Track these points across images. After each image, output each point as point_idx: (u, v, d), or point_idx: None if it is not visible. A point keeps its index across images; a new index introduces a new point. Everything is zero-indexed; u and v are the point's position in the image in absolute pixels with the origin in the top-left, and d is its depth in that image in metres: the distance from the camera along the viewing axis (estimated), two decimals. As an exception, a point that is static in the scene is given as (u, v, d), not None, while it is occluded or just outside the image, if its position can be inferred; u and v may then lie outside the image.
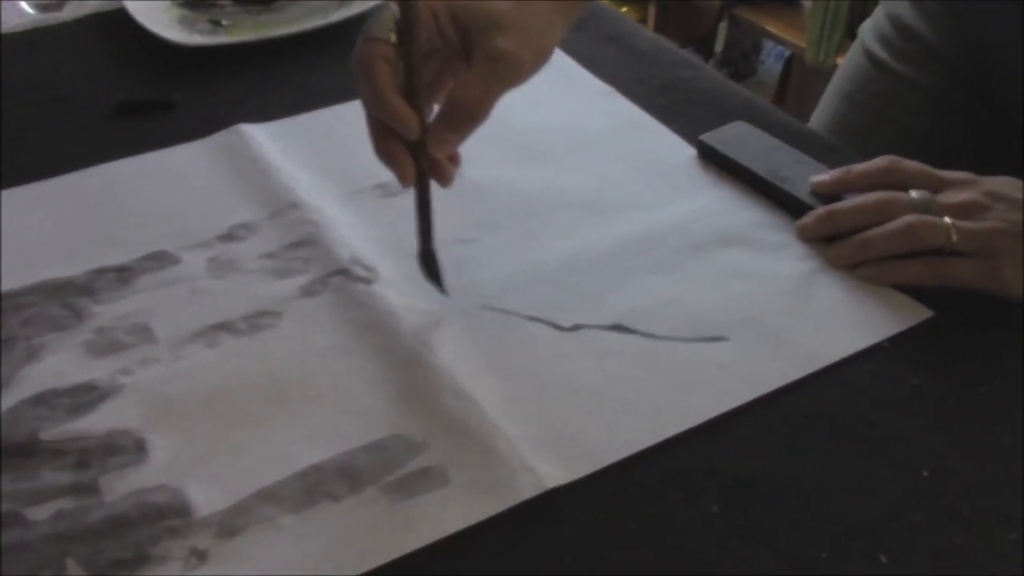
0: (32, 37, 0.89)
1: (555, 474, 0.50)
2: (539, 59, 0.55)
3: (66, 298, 0.60)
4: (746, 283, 0.62)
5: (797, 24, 2.30)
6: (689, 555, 0.47)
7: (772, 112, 0.79)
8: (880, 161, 0.65)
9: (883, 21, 0.90)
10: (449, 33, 0.54)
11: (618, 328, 0.58)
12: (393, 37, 0.52)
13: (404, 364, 0.56)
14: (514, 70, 0.53)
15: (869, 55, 0.90)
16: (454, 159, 0.58)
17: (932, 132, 0.85)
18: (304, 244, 0.64)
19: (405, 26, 0.52)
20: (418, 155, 0.54)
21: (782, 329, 0.58)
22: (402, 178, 0.55)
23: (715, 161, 0.72)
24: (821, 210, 0.64)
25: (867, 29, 0.93)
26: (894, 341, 0.58)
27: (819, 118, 0.95)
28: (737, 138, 0.72)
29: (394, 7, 0.52)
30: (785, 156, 0.70)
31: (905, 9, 0.87)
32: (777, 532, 0.47)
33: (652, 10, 2.62)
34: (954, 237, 0.59)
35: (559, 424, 0.53)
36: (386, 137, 0.54)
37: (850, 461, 0.51)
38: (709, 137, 0.72)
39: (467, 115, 0.53)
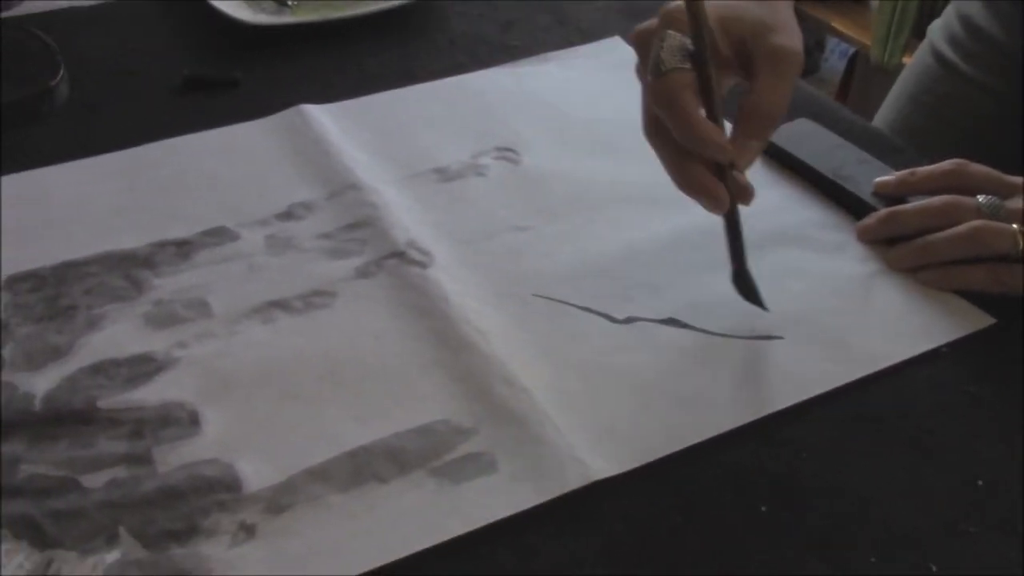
0: (105, 11, 0.91)
1: (603, 466, 0.49)
2: (802, 44, 0.55)
3: (128, 270, 0.61)
4: (804, 282, 0.61)
5: (863, 22, 2.26)
6: (735, 554, 0.46)
7: (837, 110, 0.78)
8: (946, 164, 0.64)
9: (953, 21, 0.88)
10: (723, 47, 0.55)
11: (673, 322, 0.58)
12: (688, 64, 0.52)
13: (456, 349, 0.56)
14: (795, 62, 0.53)
15: (938, 56, 0.88)
16: None
17: (1001, 136, 0.83)
18: (361, 225, 0.65)
19: (699, 51, 0.52)
20: (725, 177, 0.54)
21: (839, 330, 0.58)
22: (720, 205, 0.54)
23: (777, 158, 0.71)
24: (883, 211, 0.63)
25: (936, 29, 0.91)
26: (953, 347, 0.57)
27: (883, 118, 0.94)
28: (800, 135, 0.71)
29: (677, 35, 0.52)
30: (849, 155, 0.69)
31: (976, 9, 0.85)
32: (825, 535, 0.47)
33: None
34: (1021, 244, 0.58)
35: (609, 416, 0.52)
36: (690, 167, 0.54)
37: (903, 467, 0.50)
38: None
39: (768, 118, 0.53)
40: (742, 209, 0.56)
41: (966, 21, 0.86)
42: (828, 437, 0.52)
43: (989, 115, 0.84)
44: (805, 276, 0.61)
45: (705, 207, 0.54)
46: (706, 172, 0.53)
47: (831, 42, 2.64)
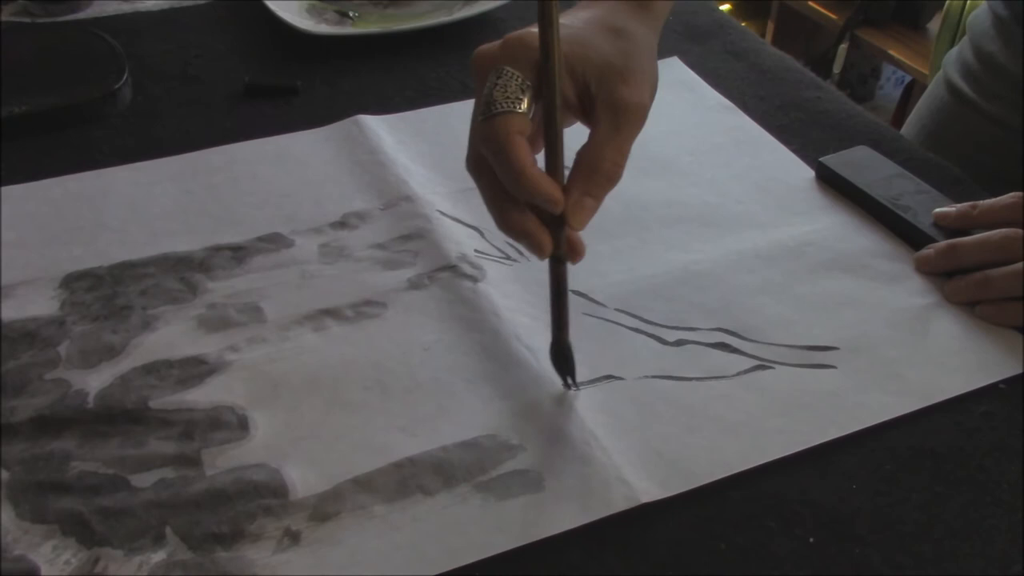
0: (170, 16, 0.92)
1: (650, 489, 0.49)
2: (654, 92, 0.52)
3: (183, 272, 0.62)
4: (859, 311, 0.60)
5: (921, 50, 2.23)
6: (782, 585, 0.46)
7: (897, 139, 0.77)
8: (1007, 198, 0.63)
9: (967, 51, 0.85)
10: (566, 87, 0.50)
11: (723, 347, 0.58)
12: (522, 107, 0.48)
13: (505, 365, 0.56)
14: (640, 117, 0.50)
15: (952, 88, 0.86)
16: None
17: (1015, 168, 0.80)
18: (414, 237, 0.65)
19: (549, 95, 0.48)
20: (557, 231, 0.50)
21: (893, 361, 0.57)
22: (542, 250, 0.50)
23: (834, 185, 0.70)
24: (943, 244, 0.62)
25: (951, 61, 0.88)
26: (1011, 383, 0.56)
27: None
28: (859, 163, 0.70)
29: (514, 73, 0.48)
30: (908, 185, 0.68)
31: (989, 39, 0.83)
32: (874, 570, 0.46)
33: (771, 26, 2.58)
34: (1082, 282, 0.57)
35: (657, 439, 0.52)
36: (515, 210, 0.49)
37: (956, 504, 0.49)
38: (830, 160, 0.71)
39: (605, 177, 0.49)
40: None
41: (979, 51, 0.84)
42: (881, 470, 0.51)
43: (1002, 148, 0.82)
44: (860, 305, 0.61)
45: (528, 250, 0.51)
46: (530, 217, 0.49)
47: (887, 69, 2.61)
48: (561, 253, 0.51)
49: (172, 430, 0.52)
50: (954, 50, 0.89)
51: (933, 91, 0.90)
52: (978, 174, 0.76)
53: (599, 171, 0.49)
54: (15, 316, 0.58)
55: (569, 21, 0.52)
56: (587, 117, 0.51)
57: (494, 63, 0.49)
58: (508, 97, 0.48)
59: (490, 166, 0.49)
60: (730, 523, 0.48)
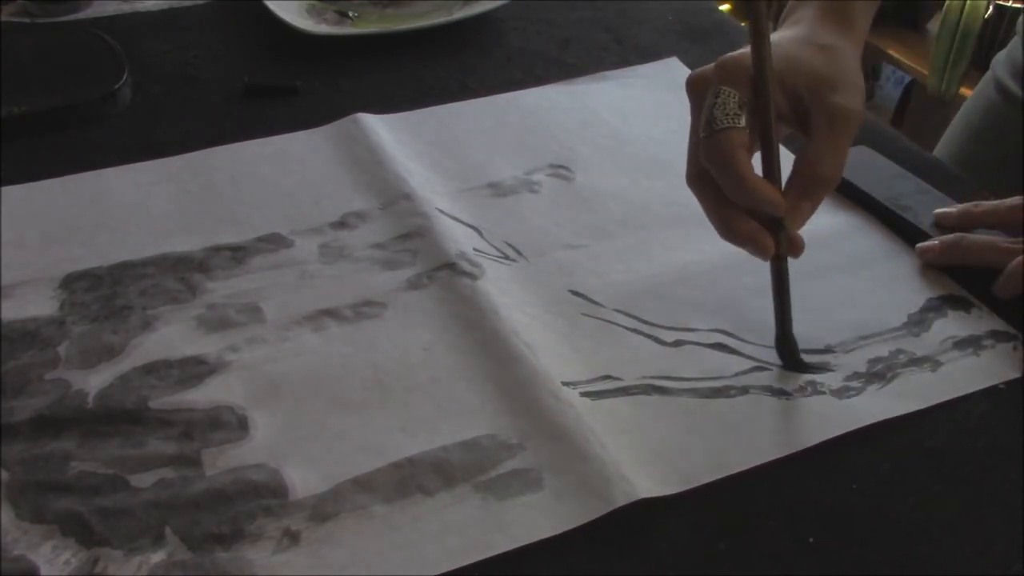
0: (170, 16, 0.92)
1: (649, 486, 0.49)
2: (863, 102, 0.54)
3: (183, 272, 0.62)
4: (859, 312, 0.60)
5: (919, 50, 2.23)
6: (781, 584, 0.46)
7: (895, 139, 0.77)
8: (1013, 200, 0.63)
9: (1018, 54, 0.86)
10: (779, 100, 0.53)
11: (722, 348, 0.58)
12: (741, 122, 0.52)
13: (504, 361, 0.56)
14: (852, 123, 0.52)
15: (1001, 89, 0.86)
16: None
17: None
18: (413, 236, 0.65)
19: (762, 109, 0.52)
20: (776, 232, 0.53)
21: (892, 362, 0.57)
22: (767, 252, 0.53)
23: (834, 185, 0.70)
24: (951, 236, 0.62)
25: (1001, 62, 0.89)
26: (1010, 384, 0.56)
27: (944, 151, 0.92)
28: (859, 164, 0.70)
29: (731, 92, 0.52)
30: (908, 185, 0.68)
31: None
32: (873, 570, 0.46)
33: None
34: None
35: (656, 439, 0.52)
36: (735, 217, 0.53)
37: (956, 504, 0.49)
38: (830, 160, 0.70)
39: (823, 182, 0.52)
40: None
41: None
42: (880, 470, 0.51)
43: None
44: (860, 305, 0.61)
45: (751, 254, 0.54)
46: (751, 221, 0.53)
47: (886, 69, 2.61)
48: (782, 251, 0.54)
49: (172, 430, 0.52)
50: (1003, 51, 0.90)
51: (981, 91, 0.90)
52: (1020, 169, 0.76)
53: (818, 176, 0.52)
54: (15, 316, 0.58)
55: (777, 40, 0.55)
56: (802, 127, 0.54)
57: (710, 84, 0.53)
58: (728, 114, 0.51)
59: (711, 180, 0.53)
60: (730, 523, 0.48)
